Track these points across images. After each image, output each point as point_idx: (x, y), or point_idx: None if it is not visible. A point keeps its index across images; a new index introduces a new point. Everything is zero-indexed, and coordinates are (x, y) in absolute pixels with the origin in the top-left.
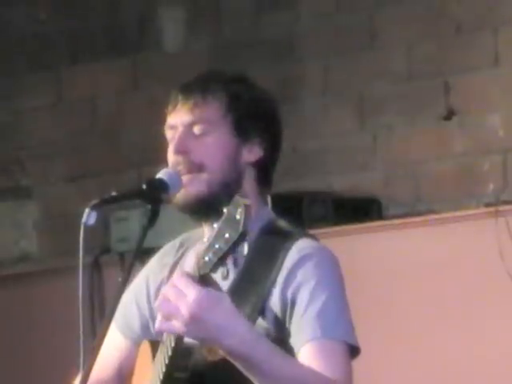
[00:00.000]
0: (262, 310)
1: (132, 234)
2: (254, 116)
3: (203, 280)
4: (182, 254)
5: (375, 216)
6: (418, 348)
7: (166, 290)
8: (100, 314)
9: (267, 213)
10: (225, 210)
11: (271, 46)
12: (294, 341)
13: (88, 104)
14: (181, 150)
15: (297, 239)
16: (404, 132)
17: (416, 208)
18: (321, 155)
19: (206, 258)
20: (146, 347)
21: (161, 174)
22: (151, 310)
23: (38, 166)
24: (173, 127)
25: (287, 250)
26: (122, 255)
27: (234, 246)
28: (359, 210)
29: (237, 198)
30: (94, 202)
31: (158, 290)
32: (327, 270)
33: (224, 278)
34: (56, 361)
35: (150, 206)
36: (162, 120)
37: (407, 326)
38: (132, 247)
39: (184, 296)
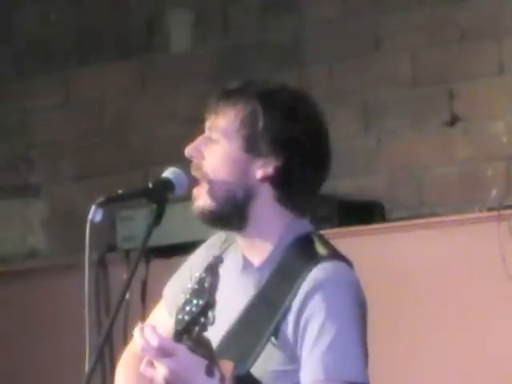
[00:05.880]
0: (275, 332)
1: (138, 233)
2: (270, 134)
3: (180, 334)
4: (224, 250)
5: (379, 219)
6: (420, 350)
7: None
8: (106, 310)
9: (297, 229)
10: (197, 274)
11: (277, 50)
12: (300, 374)
13: (96, 104)
14: (189, 153)
15: (318, 262)
16: (408, 137)
17: (419, 212)
18: None
19: (180, 317)
20: None
21: (167, 173)
22: None
23: (46, 165)
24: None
25: (306, 273)
26: (127, 253)
27: (203, 312)
28: (363, 213)
29: (210, 264)
30: (101, 199)
31: None
32: (339, 302)
33: None
34: (62, 356)
35: (155, 205)
36: (168, 121)
37: (409, 328)
38: (137, 245)
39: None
